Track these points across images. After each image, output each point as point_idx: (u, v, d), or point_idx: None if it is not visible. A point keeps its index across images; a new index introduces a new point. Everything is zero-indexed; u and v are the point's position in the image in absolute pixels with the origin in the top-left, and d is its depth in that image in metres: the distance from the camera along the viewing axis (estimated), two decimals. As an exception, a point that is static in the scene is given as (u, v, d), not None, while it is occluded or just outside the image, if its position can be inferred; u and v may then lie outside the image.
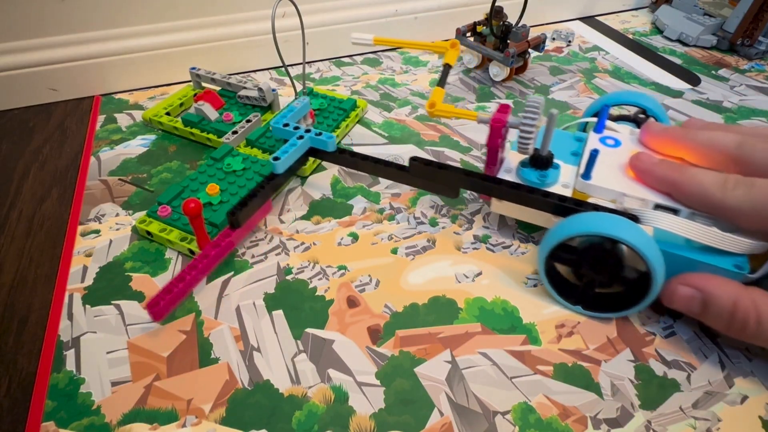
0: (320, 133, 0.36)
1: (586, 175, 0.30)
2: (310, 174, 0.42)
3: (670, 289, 0.27)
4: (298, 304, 0.31)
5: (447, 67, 0.35)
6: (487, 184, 0.32)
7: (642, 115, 0.38)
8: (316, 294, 0.32)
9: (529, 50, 0.54)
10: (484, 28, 0.53)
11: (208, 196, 0.36)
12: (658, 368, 0.28)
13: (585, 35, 0.66)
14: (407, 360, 0.28)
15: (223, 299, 0.32)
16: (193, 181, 0.37)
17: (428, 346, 0.29)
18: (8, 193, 0.41)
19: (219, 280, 0.33)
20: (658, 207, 0.29)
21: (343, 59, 0.60)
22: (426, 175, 0.34)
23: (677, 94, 0.53)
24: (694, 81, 0.56)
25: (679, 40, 0.65)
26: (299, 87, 0.50)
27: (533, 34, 0.54)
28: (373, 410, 0.26)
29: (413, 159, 0.34)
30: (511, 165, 0.34)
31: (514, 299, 0.32)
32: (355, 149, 0.43)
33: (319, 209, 0.38)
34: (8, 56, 0.49)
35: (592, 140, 0.34)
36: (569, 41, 0.64)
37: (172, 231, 0.34)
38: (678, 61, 0.60)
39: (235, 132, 0.43)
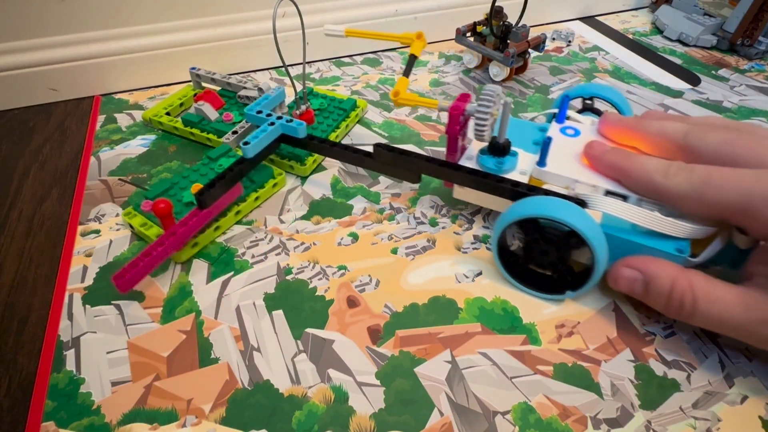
0: (291, 120, 0.37)
1: (541, 162, 0.32)
2: (310, 174, 0.42)
3: (614, 271, 0.28)
4: (298, 304, 0.31)
5: (412, 58, 0.37)
6: (446, 169, 0.33)
7: (611, 108, 0.39)
8: (316, 294, 0.32)
9: (529, 50, 0.54)
10: (484, 28, 0.53)
11: (191, 195, 0.36)
12: (658, 368, 0.28)
13: (585, 35, 0.66)
14: (407, 360, 0.28)
15: (223, 299, 0.32)
16: (184, 178, 0.38)
17: (428, 346, 0.29)
18: (8, 193, 0.41)
19: (219, 280, 0.33)
20: (608, 193, 0.30)
21: (343, 59, 0.60)
22: (389, 161, 0.35)
23: (677, 94, 0.53)
24: (694, 81, 0.56)
25: (679, 40, 0.65)
26: (299, 87, 0.50)
27: (533, 34, 0.54)
28: (373, 410, 0.26)
29: (377, 145, 0.35)
30: (472, 152, 0.35)
31: (514, 299, 0.32)
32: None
33: (319, 209, 0.38)
34: (8, 56, 0.49)
35: (553, 130, 0.35)
36: (569, 41, 0.64)
37: (152, 227, 0.35)
38: (678, 61, 0.60)
39: (235, 132, 0.43)
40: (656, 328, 0.30)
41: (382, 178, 0.41)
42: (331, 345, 0.29)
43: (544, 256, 0.30)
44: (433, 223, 0.37)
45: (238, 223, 0.37)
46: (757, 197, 0.24)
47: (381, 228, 0.37)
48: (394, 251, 0.35)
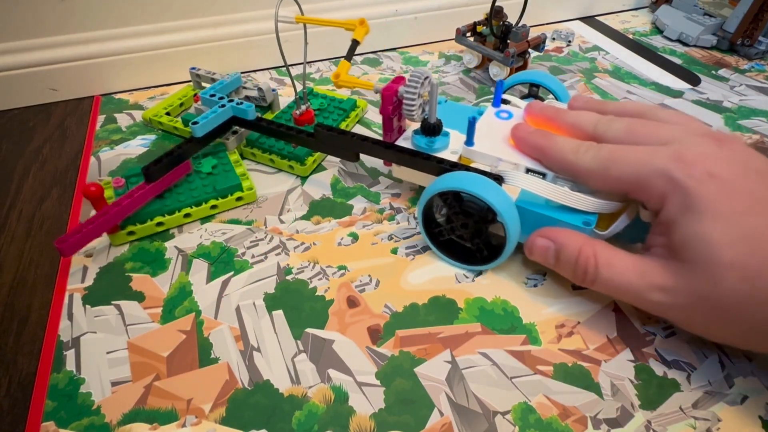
0: (241, 103, 0.39)
1: (469, 141, 0.33)
2: (310, 174, 0.42)
3: (529, 241, 0.30)
4: (298, 304, 0.31)
5: (355, 43, 0.38)
6: (378, 148, 0.35)
7: (550, 96, 0.41)
8: (316, 294, 0.32)
9: (529, 50, 0.54)
10: (484, 28, 0.53)
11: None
12: (658, 368, 0.28)
13: (585, 35, 0.66)
14: (407, 360, 0.28)
15: (223, 299, 0.32)
16: None
17: (428, 346, 0.29)
18: (8, 193, 0.41)
19: (219, 280, 0.33)
20: (528, 171, 0.32)
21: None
22: (329, 140, 0.37)
23: (677, 94, 0.53)
24: (694, 81, 0.56)
25: (679, 40, 0.65)
26: (299, 87, 0.50)
27: (533, 34, 0.54)
28: (373, 410, 0.26)
29: (318, 125, 0.37)
30: (409, 133, 0.37)
31: (514, 299, 0.32)
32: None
33: (319, 209, 0.38)
34: (8, 56, 0.49)
35: (488, 113, 0.37)
36: (569, 41, 0.64)
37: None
38: (678, 61, 0.60)
39: (234, 132, 0.43)
40: (656, 328, 0.30)
41: (382, 178, 0.41)
42: (331, 345, 0.29)
43: (465, 229, 0.32)
44: (433, 223, 0.37)
45: (238, 223, 0.37)
46: (650, 170, 0.26)
47: (381, 228, 0.37)
48: (394, 251, 0.35)
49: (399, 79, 0.35)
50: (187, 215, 0.36)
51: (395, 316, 0.31)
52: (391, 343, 0.29)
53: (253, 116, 0.39)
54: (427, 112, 0.35)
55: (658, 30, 0.68)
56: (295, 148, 0.41)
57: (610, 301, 0.31)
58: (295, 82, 0.42)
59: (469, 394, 0.27)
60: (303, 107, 0.43)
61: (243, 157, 0.43)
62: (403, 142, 0.36)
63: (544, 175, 0.31)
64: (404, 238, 0.36)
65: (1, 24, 0.47)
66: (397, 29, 0.61)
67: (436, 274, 0.33)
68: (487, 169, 0.33)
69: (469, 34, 0.55)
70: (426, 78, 0.34)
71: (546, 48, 0.62)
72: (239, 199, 0.38)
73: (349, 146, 0.36)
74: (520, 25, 0.52)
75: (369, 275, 0.33)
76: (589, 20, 0.71)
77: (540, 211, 0.30)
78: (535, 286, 0.32)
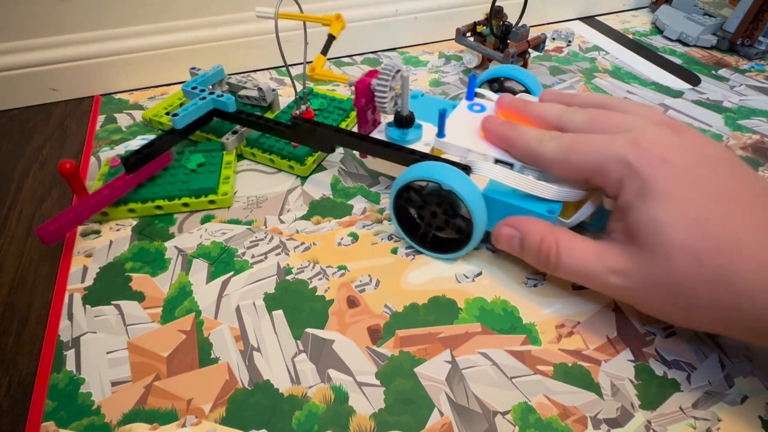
0: (222, 95, 0.40)
1: (440, 133, 0.34)
2: (310, 174, 0.42)
3: (496, 230, 0.31)
4: (298, 304, 0.31)
5: (330, 38, 0.39)
6: (352, 139, 0.36)
7: (524, 90, 0.42)
8: (316, 294, 0.32)
9: (529, 50, 0.54)
10: (484, 28, 0.53)
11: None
12: (658, 368, 0.28)
13: (585, 35, 0.66)
14: (407, 360, 0.28)
15: (223, 299, 0.32)
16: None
17: (428, 346, 0.29)
18: (8, 193, 0.41)
19: (219, 280, 0.33)
20: (497, 161, 0.33)
21: (343, 59, 0.60)
22: (306, 132, 0.38)
23: (677, 94, 0.53)
24: (694, 81, 0.56)
25: (679, 40, 0.65)
26: (299, 87, 0.50)
27: (533, 34, 0.54)
28: (373, 410, 0.26)
29: (294, 117, 0.38)
30: (384, 125, 0.38)
31: (514, 299, 0.32)
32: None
33: (319, 209, 0.38)
34: (8, 56, 0.49)
35: (461, 107, 0.37)
36: (569, 41, 0.64)
37: (100, 181, 0.38)
38: (678, 61, 0.60)
39: (234, 132, 0.43)
40: (656, 328, 0.30)
41: (382, 179, 0.41)
42: (331, 345, 0.29)
43: (434, 218, 0.33)
44: (433, 223, 0.37)
45: (238, 223, 0.37)
46: (607, 156, 0.27)
47: (381, 228, 0.37)
48: (394, 251, 0.35)
49: (372, 73, 0.36)
50: (158, 207, 0.37)
51: (395, 316, 0.31)
52: (391, 343, 0.29)
53: (233, 108, 0.40)
54: (400, 105, 0.35)
55: (658, 30, 0.68)
56: (296, 148, 0.41)
57: (610, 301, 0.31)
58: (295, 82, 0.42)
59: (469, 394, 0.27)
60: (303, 107, 0.43)
61: (243, 157, 0.43)
62: (378, 134, 0.37)
63: (511, 166, 0.32)
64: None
65: (1, 24, 0.47)
66: (397, 29, 0.61)
67: (436, 274, 0.33)
68: (458, 160, 0.33)
69: (469, 34, 0.55)
70: (397, 71, 0.35)
71: (546, 48, 0.62)
72: (212, 202, 0.38)
73: (324, 138, 0.38)
74: (520, 25, 0.52)
75: (369, 275, 0.33)
76: (589, 20, 0.71)
77: (506, 199, 0.31)
78: (535, 286, 0.32)
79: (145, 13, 0.51)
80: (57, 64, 0.50)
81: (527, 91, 0.42)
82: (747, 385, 0.27)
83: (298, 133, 0.38)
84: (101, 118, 0.49)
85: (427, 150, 0.35)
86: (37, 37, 0.49)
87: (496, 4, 0.50)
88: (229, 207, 0.38)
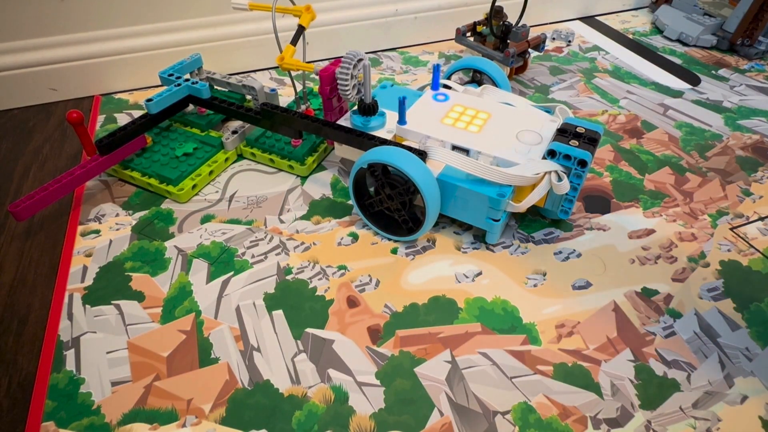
0: (196, 82, 0.42)
1: (401, 120, 0.35)
2: (310, 174, 0.42)
3: None
4: (298, 304, 0.31)
5: (300, 28, 0.40)
6: (316, 125, 0.37)
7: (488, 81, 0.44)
8: (316, 294, 0.32)
9: (529, 50, 0.54)
10: (484, 28, 0.53)
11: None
12: (658, 368, 0.28)
13: (585, 35, 0.66)
14: (407, 360, 0.28)
15: (223, 299, 0.32)
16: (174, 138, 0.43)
17: (428, 346, 0.29)
18: (8, 193, 0.40)
19: (219, 280, 0.33)
20: (454, 148, 0.34)
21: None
22: (273, 118, 0.39)
23: (677, 93, 0.53)
24: (694, 81, 0.56)
25: (679, 40, 0.65)
26: (299, 87, 0.50)
27: (533, 34, 0.54)
28: (373, 410, 0.26)
29: (263, 104, 0.39)
30: (349, 114, 0.39)
31: (514, 299, 0.32)
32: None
33: (319, 209, 0.38)
34: (8, 56, 0.49)
35: (426, 96, 0.39)
36: (569, 41, 0.64)
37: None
38: (678, 61, 0.60)
39: (234, 132, 0.43)
40: (656, 328, 0.30)
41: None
42: (331, 345, 0.29)
43: (391, 200, 0.34)
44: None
45: (238, 223, 0.37)
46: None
47: (381, 228, 0.37)
48: (394, 251, 0.35)
49: (337, 62, 0.37)
50: (131, 177, 0.39)
51: (395, 316, 0.31)
52: (391, 343, 0.29)
53: (207, 95, 0.42)
54: (363, 93, 0.36)
55: (658, 30, 0.68)
56: (296, 148, 0.41)
57: (610, 300, 0.31)
58: (295, 82, 0.42)
59: (469, 394, 0.27)
60: (303, 107, 0.43)
61: (242, 157, 0.43)
62: (344, 121, 0.38)
63: (467, 152, 0.33)
64: (404, 238, 0.36)
65: (1, 24, 0.47)
66: (397, 29, 0.61)
67: (436, 274, 0.33)
68: (416, 145, 0.34)
69: (469, 34, 0.55)
70: (360, 59, 0.35)
71: (546, 48, 0.62)
72: (169, 192, 0.39)
73: (291, 124, 0.39)
74: (520, 25, 0.52)
75: (369, 275, 0.33)
76: (589, 20, 0.71)
77: (459, 183, 0.32)
78: (535, 286, 0.32)
79: (145, 13, 0.51)
80: (57, 64, 0.50)
81: (493, 83, 0.43)
82: (747, 385, 0.27)
83: (266, 120, 0.40)
84: (101, 118, 0.49)
85: (389, 137, 0.36)
86: (37, 37, 0.49)
87: (496, 4, 0.50)
88: (184, 202, 0.39)
